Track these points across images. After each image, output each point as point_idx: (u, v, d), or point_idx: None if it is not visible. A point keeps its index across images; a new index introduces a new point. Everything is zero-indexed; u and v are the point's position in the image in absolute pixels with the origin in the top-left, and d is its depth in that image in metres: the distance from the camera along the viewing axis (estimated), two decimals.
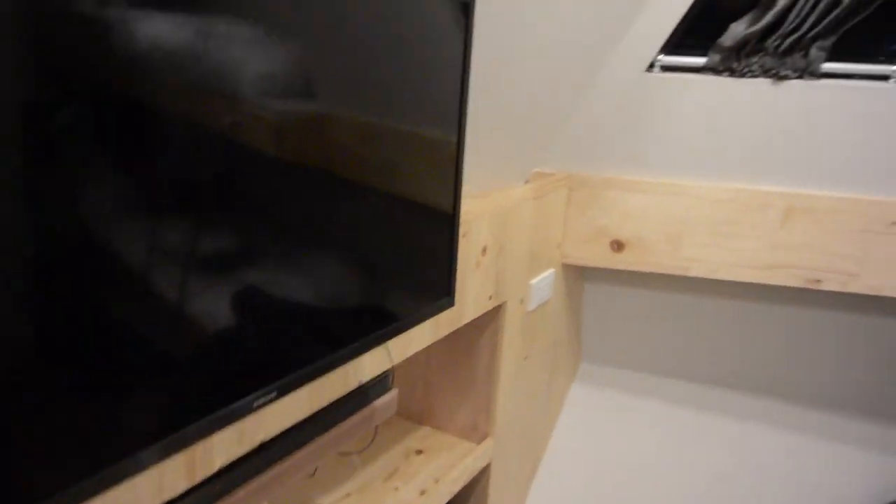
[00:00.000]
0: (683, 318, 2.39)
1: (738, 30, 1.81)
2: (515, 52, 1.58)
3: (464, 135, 1.27)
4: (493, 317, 1.84)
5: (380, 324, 1.13)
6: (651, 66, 1.90)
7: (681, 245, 2.04)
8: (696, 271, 2.05)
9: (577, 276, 2.33)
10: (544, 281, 2.02)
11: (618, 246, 2.08)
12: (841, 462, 2.32)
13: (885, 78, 1.82)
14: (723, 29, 1.84)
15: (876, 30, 1.83)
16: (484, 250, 1.68)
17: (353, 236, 1.04)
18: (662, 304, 2.39)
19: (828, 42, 1.80)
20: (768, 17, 1.77)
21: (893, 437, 2.33)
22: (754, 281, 2.02)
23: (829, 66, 1.83)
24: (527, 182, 2.04)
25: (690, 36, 1.87)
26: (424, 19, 1.10)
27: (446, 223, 1.28)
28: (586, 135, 2.00)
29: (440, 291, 1.29)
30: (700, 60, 1.88)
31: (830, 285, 2.00)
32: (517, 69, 1.64)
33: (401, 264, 1.19)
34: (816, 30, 1.77)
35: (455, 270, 1.31)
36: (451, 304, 1.30)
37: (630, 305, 2.41)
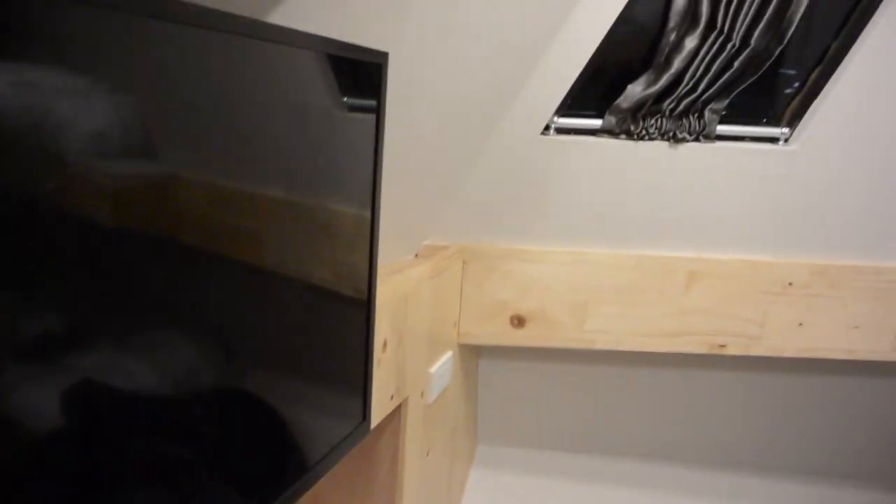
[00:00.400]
0: (583, 389, 2.26)
1: (634, 91, 1.73)
2: (402, 115, 1.39)
3: (378, 208, 1.06)
4: (393, 416, 1.60)
5: (285, 480, 0.86)
6: (546, 128, 1.77)
7: (585, 316, 1.91)
8: (602, 343, 1.93)
9: (472, 353, 2.14)
10: (444, 367, 1.81)
11: (519, 321, 1.92)
12: None
13: (774, 140, 1.81)
14: (617, 90, 1.75)
15: (762, 93, 1.83)
16: (384, 345, 1.45)
17: (242, 346, 0.78)
18: (561, 377, 2.25)
19: (721, 105, 1.76)
20: (664, 80, 1.70)
21: (800, 493, 2.32)
22: (661, 350, 1.93)
23: (722, 129, 1.79)
24: (416, 255, 1.84)
25: (586, 97, 1.78)
26: (323, 78, 0.88)
27: (359, 316, 1.05)
28: (481, 203, 1.84)
29: (353, 414, 1.04)
30: (597, 122, 1.79)
31: (734, 349, 1.94)
32: (405, 133, 1.44)
33: (305, 381, 0.94)
34: (710, 92, 1.73)
35: (371, 383, 1.07)
36: (366, 431, 1.05)
37: (527, 380, 2.25)
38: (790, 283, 1.89)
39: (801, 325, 1.92)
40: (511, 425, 2.31)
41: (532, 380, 2.24)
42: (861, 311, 1.93)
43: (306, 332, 0.93)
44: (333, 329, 1.02)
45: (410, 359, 1.60)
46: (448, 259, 1.80)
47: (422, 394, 1.71)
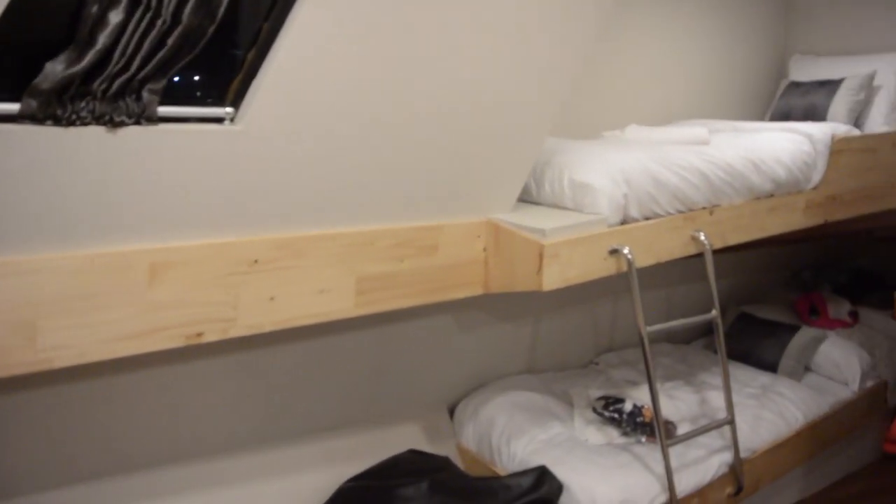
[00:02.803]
0: (46, 416, 1.97)
1: (55, 70, 1.50)
2: None
3: None
4: None
5: None
6: None
7: (36, 335, 1.63)
8: (63, 361, 1.68)
9: None
10: None
11: None
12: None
13: (220, 120, 1.78)
14: (35, 69, 1.50)
15: (206, 72, 1.78)
16: None
17: None
18: (14, 409, 1.92)
19: (158, 85, 1.65)
20: (89, 57, 1.52)
21: (306, 453, 2.45)
22: (134, 353, 1.77)
23: (165, 111, 1.68)
24: None
25: None
26: None
27: None
28: None
29: None
30: (14, 107, 1.51)
31: (212, 336, 1.90)
32: None
33: None
34: (145, 72, 1.60)
35: None
36: None
37: None
38: (256, 261, 1.92)
39: (272, 299, 1.97)
40: None
41: None
42: (326, 275, 2.06)
43: None
44: None
45: None
46: None
47: None
